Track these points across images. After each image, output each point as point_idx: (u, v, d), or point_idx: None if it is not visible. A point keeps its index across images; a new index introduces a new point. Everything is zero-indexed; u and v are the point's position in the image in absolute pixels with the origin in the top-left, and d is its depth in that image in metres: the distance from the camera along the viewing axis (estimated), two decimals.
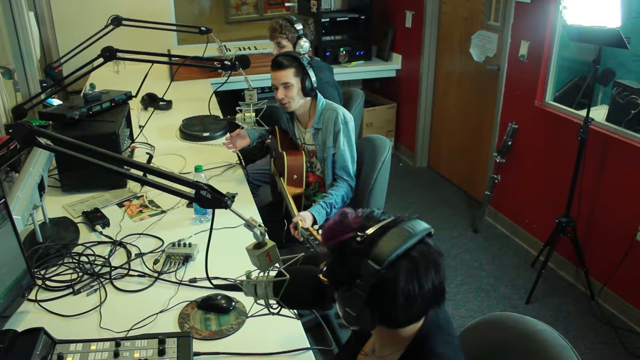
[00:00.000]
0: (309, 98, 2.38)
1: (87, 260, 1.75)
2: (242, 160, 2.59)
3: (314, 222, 2.19)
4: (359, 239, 0.98)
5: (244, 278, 1.22)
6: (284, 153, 2.41)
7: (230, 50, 3.59)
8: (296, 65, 2.31)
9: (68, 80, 2.68)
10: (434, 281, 0.97)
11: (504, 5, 3.42)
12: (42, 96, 2.65)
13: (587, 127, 2.69)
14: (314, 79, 2.32)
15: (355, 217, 1.04)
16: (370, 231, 0.98)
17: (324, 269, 1.07)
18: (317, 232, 1.86)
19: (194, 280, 1.67)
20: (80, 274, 1.69)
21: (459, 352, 1.07)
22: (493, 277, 3.19)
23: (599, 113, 2.85)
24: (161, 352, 1.30)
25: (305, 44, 3.02)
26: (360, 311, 0.97)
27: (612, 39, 2.44)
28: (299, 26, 3.01)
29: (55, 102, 2.62)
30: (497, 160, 3.53)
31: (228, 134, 2.76)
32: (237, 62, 2.68)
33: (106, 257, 1.78)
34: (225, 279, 1.63)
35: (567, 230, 2.87)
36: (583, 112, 2.76)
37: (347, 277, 0.98)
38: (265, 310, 1.22)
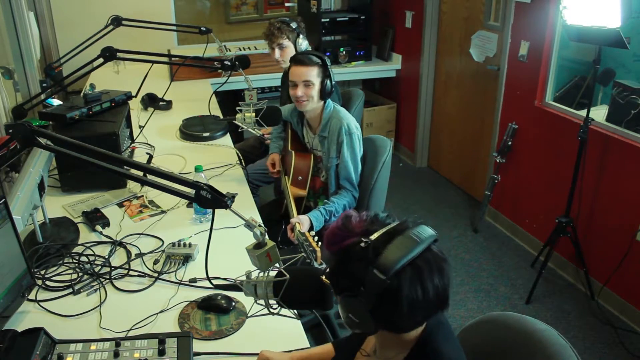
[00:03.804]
0: (322, 102, 2.32)
1: (87, 260, 1.75)
2: (242, 160, 2.59)
3: (311, 228, 2.16)
4: (362, 244, 0.95)
5: (244, 278, 1.22)
6: (293, 152, 2.38)
7: (230, 50, 3.60)
8: (320, 65, 2.24)
9: (68, 80, 2.68)
10: (438, 287, 0.95)
11: (504, 5, 3.42)
12: (42, 96, 2.65)
13: (587, 127, 2.69)
14: (333, 82, 2.27)
15: (359, 220, 1.01)
16: (374, 237, 0.96)
17: (327, 271, 1.05)
18: (313, 238, 1.84)
19: (194, 280, 1.67)
20: (80, 274, 1.69)
21: (461, 351, 1.07)
22: (493, 277, 3.19)
23: (599, 113, 2.85)
24: (161, 352, 1.30)
25: (304, 42, 3.02)
26: (362, 317, 0.96)
27: (612, 39, 2.44)
28: (294, 25, 3.00)
29: (55, 102, 2.61)
30: (497, 160, 3.53)
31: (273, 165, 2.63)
32: (237, 62, 2.69)
33: (106, 257, 1.78)
34: (225, 279, 1.63)
35: (567, 230, 2.87)
36: (583, 112, 2.76)
37: (350, 283, 0.96)
38: (265, 310, 1.22)
